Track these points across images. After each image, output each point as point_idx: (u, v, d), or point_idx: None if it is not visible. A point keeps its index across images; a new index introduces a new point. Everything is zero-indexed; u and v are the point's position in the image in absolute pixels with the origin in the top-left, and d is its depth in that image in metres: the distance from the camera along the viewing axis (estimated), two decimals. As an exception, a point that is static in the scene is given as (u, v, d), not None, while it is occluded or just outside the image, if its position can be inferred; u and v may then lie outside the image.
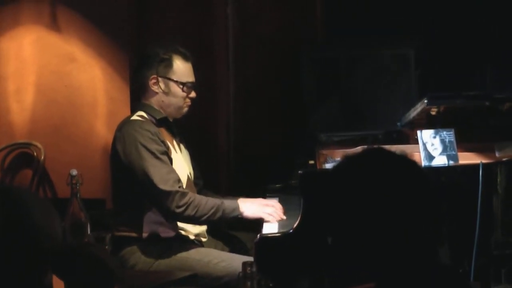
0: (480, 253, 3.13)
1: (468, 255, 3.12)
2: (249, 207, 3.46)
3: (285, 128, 4.86)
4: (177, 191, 3.34)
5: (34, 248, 1.71)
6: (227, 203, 3.44)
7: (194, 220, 3.40)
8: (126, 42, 4.63)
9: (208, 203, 3.39)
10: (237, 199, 3.64)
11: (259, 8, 5.03)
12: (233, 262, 3.35)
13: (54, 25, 4.66)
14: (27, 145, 4.69)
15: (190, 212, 3.35)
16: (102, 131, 4.62)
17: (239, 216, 3.43)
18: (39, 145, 4.64)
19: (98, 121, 4.63)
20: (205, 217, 3.37)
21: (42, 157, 4.62)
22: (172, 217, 3.41)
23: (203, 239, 3.63)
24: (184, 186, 3.51)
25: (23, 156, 4.72)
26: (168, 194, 3.33)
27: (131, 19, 4.65)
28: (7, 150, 4.72)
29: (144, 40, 4.65)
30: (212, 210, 3.37)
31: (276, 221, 3.43)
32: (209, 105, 4.77)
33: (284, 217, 3.45)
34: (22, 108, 4.70)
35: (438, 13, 5.03)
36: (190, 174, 3.65)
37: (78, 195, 4.13)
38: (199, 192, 3.72)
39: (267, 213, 3.44)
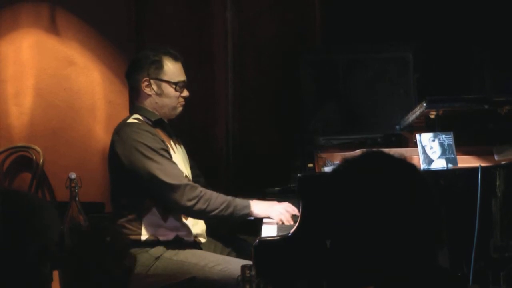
0: (479, 256, 3.13)
1: (467, 258, 3.12)
2: (260, 205, 3.46)
3: (284, 132, 4.86)
4: (186, 184, 3.35)
5: (40, 250, 1.72)
6: (239, 200, 3.44)
7: (205, 214, 3.40)
8: (125, 45, 4.63)
9: (219, 197, 3.40)
10: (250, 200, 3.66)
11: (258, 11, 5.03)
12: (229, 265, 3.34)
13: (53, 28, 4.66)
14: (26, 148, 4.68)
15: (201, 205, 3.35)
16: (101, 135, 4.62)
17: (249, 214, 3.43)
18: (38, 148, 4.64)
19: (97, 124, 4.63)
20: (216, 211, 3.37)
21: (41, 161, 4.62)
22: (184, 211, 3.40)
23: (202, 240, 3.62)
24: None
25: (22, 160, 4.71)
26: (178, 187, 3.34)
27: (130, 22, 4.65)
28: (6, 154, 4.72)
29: (143, 44, 4.65)
30: (224, 205, 3.38)
31: (286, 223, 3.42)
32: (208, 108, 4.77)
33: (291, 221, 3.45)
34: (21, 111, 4.70)
35: (436, 16, 5.03)
36: (187, 174, 3.65)
37: (77, 199, 4.13)
38: None
39: (277, 212, 3.44)
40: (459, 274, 3.13)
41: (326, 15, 5.15)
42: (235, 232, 3.84)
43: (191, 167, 3.75)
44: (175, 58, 3.60)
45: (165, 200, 3.40)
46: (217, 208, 3.37)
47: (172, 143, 3.62)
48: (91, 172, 4.56)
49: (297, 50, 4.97)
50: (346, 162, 1.81)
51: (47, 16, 4.67)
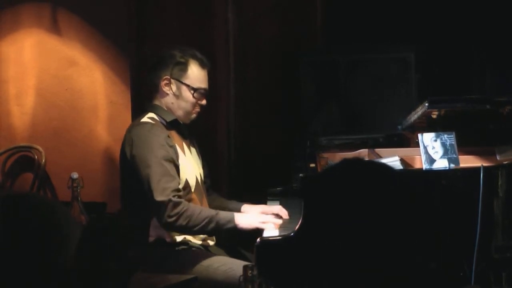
0: (480, 257, 3.13)
1: (469, 258, 3.12)
2: (245, 218, 3.44)
3: (285, 132, 4.86)
4: (170, 200, 3.32)
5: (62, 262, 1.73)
6: (222, 214, 3.41)
7: (187, 230, 3.39)
8: (126, 46, 4.63)
9: (201, 213, 3.37)
10: (241, 204, 3.65)
11: (259, 12, 5.04)
12: (233, 266, 3.33)
13: (54, 28, 4.66)
14: (28, 148, 4.69)
15: (182, 222, 3.33)
16: (103, 135, 4.63)
17: (235, 228, 3.41)
18: (40, 148, 4.64)
19: (99, 124, 4.63)
20: (197, 227, 3.36)
21: (43, 161, 4.62)
22: (166, 227, 3.40)
23: (211, 243, 3.61)
24: (193, 189, 3.52)
25: (24, 160, 4.72)
26: (161, 203, 3.33)
27: (132, 23, 4.66)
28: (8, 154, 4.72)
29: (144, 44, 4.66)
30: (205, 221, 3.35)
31: (274, 228, 3.41)
32: (209, 110, 4.77)
33: (280, 221, 3.43)
34: (22, 111, 4.70)
35: (437, 18, 5.04)
36: (200, 175, 3.64)
37: (79, 199, 4.13)
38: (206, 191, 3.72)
39: (262, 222, 3.42)
40: (461, 274, 3.13)
41: (327, 15, 5.16)
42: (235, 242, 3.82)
43: (203, 167, 3.74)
44: (202, 65, 3.59)
45: (152, 213, 3.41)
46: (198, 225, 3.35)
47: (185, 145, 3.60)
48: (93, 172, 4.56)
49: (298, 50, 4.98)
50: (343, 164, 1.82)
51: (49, 17, 4.67)
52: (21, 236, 1.72)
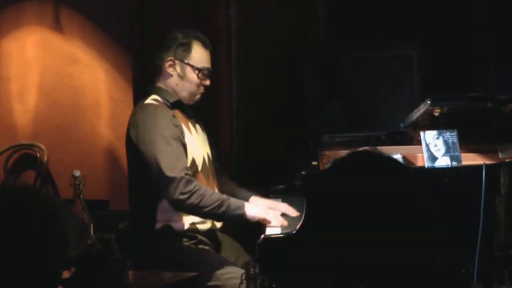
0: (483, 254, 3.13)
1: (471, 256, 3.13)
2: (254, 209, 3.44)
3: (287, 130, 4.86)
4: (182, 178, 3.31)
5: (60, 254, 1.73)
6: (233, 200, 3.41)
7: (197, 210, 3.36)
8: (129, 43, 4.63)
9: (213, 195, 3.37)
10: (251, 194, 3.64)
11: (261, 9, 5.04)
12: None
13: (57, 26, 4.67)
14: (30, 146, 4.69)
15: (193, 200, 3.32)
16: (105, 132, 4.63)
17: (243, 215, 3.40)
18: (42, 146, 4.65)
19: (101, 122, 4.64)
20: (208, 208, 3.34)
21: (45, 158, 4.62)
22: (176, 204, 3.36)
23: (218, 225, 3.58)
24: (200, 168, 3.51)
25: (26, 157, 4.72)
26: (173, 180, 3.31)
27: (134, 20, 4.66)
28: (10, 152, 4.73)
29: (146, 41, 4.66)
30: (217, 203, 3.34)
31: (279, 226, 3.40)
32: (211, 107, 4.78)
33: (286, 223, 3.42)
34: (25, 109, 4.71)
35: (440, 15, 5.04)
36: (208, 154, 3.63)
37: (81, 196, 4.13)
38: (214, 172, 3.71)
39: (270, 216, 3.42)
40: (463, 272, 3.14)
41: (330, 13, 5.16)
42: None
43: (211, 147, 3.74)
44: (205, 45, 3.60)
45: (161, 190, 3.38)
46: (209, 205, 3.34)
47: (190, 124, 3.59)
48: (95, 169, 4.56)
49: (301, 48, 4.98)
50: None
51: (51, 14, 4.67)
52: (23, 232, 1.71)
